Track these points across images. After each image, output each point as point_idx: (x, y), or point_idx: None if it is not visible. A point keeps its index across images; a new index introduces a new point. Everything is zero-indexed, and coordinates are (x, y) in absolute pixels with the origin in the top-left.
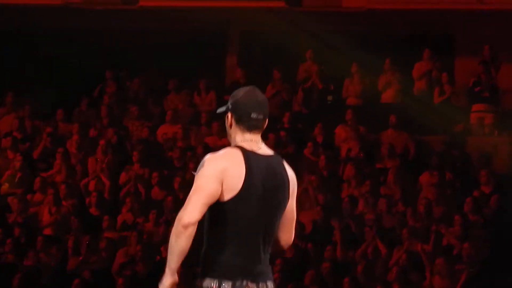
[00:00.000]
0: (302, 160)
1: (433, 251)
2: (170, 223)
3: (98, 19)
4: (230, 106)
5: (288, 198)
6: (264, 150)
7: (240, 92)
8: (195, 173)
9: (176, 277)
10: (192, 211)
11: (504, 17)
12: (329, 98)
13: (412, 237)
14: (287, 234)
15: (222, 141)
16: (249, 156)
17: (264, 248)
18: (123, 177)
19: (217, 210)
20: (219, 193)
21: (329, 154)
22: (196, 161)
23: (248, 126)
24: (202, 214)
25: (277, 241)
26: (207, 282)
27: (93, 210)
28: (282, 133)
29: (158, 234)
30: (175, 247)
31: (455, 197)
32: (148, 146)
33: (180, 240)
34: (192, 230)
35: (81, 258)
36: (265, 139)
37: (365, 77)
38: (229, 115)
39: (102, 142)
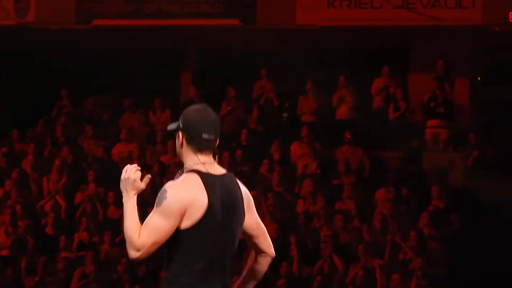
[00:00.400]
0: (258, 177)
1: (389, 267)
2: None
3: (53, 39)
4: (181, 125)
5: (244, 214)
6: (217, 169)
7: (191, 111)
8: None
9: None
10: (139, 249)
11: (458, 33)
12: (285, 115)
13: (368, 253)
14: (267, 245)
15: (177, 159)
16: (207, 180)
17: (226, 269)
18: (78, 196)
19: (176, 237)
20: (175, 228)
21: (285, 171)
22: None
23: (200, 147)
24: (150, 253)
25: (262, 254)
26: None
27: (49, 230)
28: (239, 151)
29: (114, 253)
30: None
31: (410, 212)
32: (104, 165)
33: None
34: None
35: (37, 278)
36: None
37: (319, 94)
38: (180, 134)
39: (57, 161)
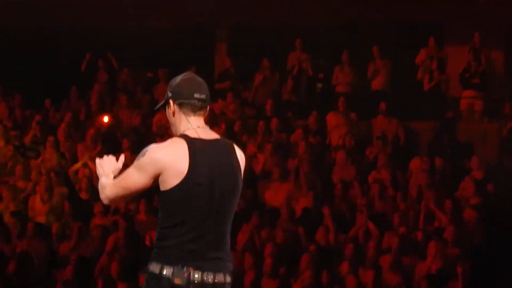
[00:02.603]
0: (292, 147)
1: (424, 235)
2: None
3: (92, 15)
4: (170, 94)
5: (240, 183)
6: (210, 134)
7: (178, 79)
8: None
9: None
10: (112, 200)
11: (493, 5)
12: (319, 85)
13: (403, 221)
14: None
15: (214, 129)
16: (193, 143)
17: (217, 235)
18: None
19: (163, 199)
20: (148, 186)
21: (319, 141)
22: None
23: (193, 107)
24: (116, 203)
25: None
26: (152, 266)
27: (83, 195)
28: (274, 120)
29: (147, 222)
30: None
31: (445, 183)
32: (138, 134)
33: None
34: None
35: (71, 244)
36: (254, 127)
37: (354, 65)
38: (171, 102)
39: (91, 130)
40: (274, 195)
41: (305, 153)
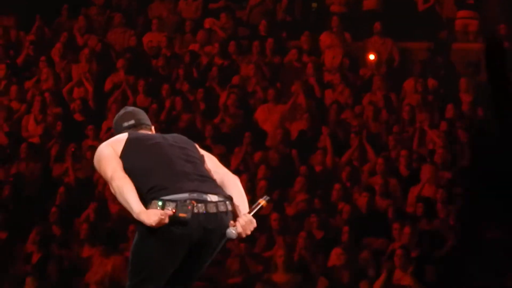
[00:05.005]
0: (286, 68)
1: (417, 158)
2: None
3: None
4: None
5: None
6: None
7: (117, 115)
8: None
9: (144, 209)
10: (113, 173)
11: None
12: (313, 5)
13: (396, 144)
14: (218, 170)
15: (207, 48)
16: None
17: (199, 176)
18: (107, 84)
19: (130, 175)
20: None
21: (313, 61)
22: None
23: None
24: (121, 169)
25: (227, 180)
26: (151, 205)
27: (78, 117)
28: (270, 40)
29: None
30: (124, 198)
31: (438, 104)
32: (133, 53)
33: (122, 192)
34: (123, 181)
35: (65, 165)
36: (249, 47)
37: None
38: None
39: (86, 50)
40: (268, 117)
41: (300, 74)
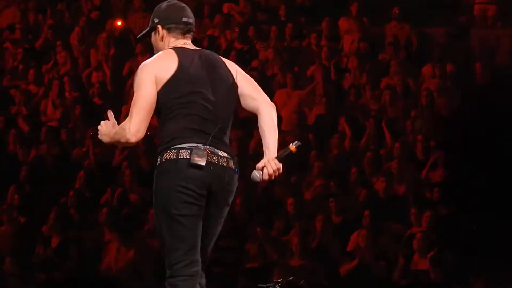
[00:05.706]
0: (305, 52)
1: (436, 144)
2: None
3: None
4: (157, 20)
5: (233, 81)
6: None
7: (164, 5)
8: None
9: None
10: (137, 130)
11: None
12: None
13: (414, 129)
14: (264, 99)
15: (223, 34)
16: (181, 51)
17: (221, 125)
18: (126, 68)
19: (162, 103)
20: (154, 93)
21: (332, 46)
22: None
23: (182, 30)
24: (147, 125)
25: (263, 108)
26: (166, 155)
27: (96, 100)
28: (289, 25)
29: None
30: (109, 140)
31: (456, 89)
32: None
33: (115, 142)
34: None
35: (84, 149)
36: (267, 32)
37: None
38: (159, 28)
39: (104, 34)
40: (287, 101)
41: (319, 59)
